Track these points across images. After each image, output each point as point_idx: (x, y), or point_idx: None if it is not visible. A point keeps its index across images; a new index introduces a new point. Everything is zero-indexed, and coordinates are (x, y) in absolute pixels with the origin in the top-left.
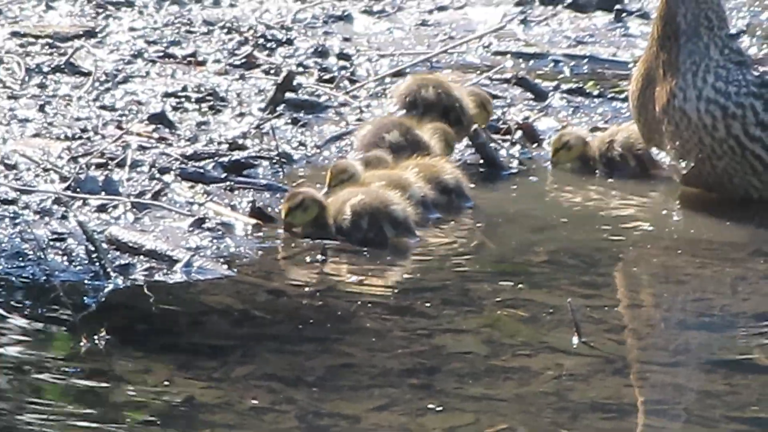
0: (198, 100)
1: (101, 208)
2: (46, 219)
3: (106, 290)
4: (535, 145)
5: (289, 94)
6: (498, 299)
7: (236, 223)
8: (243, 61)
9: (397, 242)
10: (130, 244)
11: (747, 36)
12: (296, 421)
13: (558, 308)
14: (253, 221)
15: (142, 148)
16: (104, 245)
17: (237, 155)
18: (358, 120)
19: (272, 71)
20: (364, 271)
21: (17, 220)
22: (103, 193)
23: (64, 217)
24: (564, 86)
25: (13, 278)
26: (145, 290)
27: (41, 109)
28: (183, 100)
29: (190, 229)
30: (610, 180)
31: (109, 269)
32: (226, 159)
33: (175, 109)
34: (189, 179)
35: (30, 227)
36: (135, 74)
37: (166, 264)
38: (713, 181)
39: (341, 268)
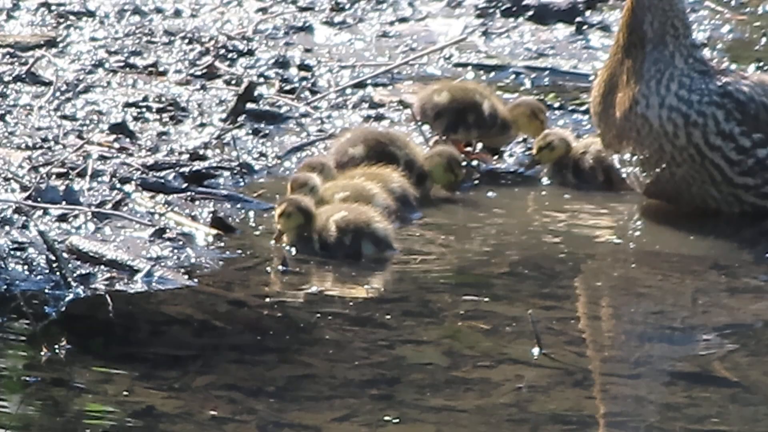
0: (159, 110)
1: (62, 218)
2: (7, 228)
3: (67, 300)
4: (495, 157)
5: (250, 105)
6: (459, 311)
7: (197, 234)
8: (204, 71)
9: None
10: (91, 254)
11: (708, 49)
12: (257, 431)
13: (519, 320)
14: (214, 231)
15: (103, 158)
16: (65, 255)
17: (198, 165)
18: (319, 131)
19: (233, 82)
20: (324, 282)
21: None
22: (63, 202)
23: (24, 227)
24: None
25: None
26: (106, 300)
27: (2, 118)
28: (144, 110)
29: (151, 239)
30: (571, 192)
31: (69, 279)
32: (187, 169)
33: (136, 119)
34: (150, 189)
35: None
36: (96, 84)
37: (126, 274)
38: (672, 189)
39: (302, 278)
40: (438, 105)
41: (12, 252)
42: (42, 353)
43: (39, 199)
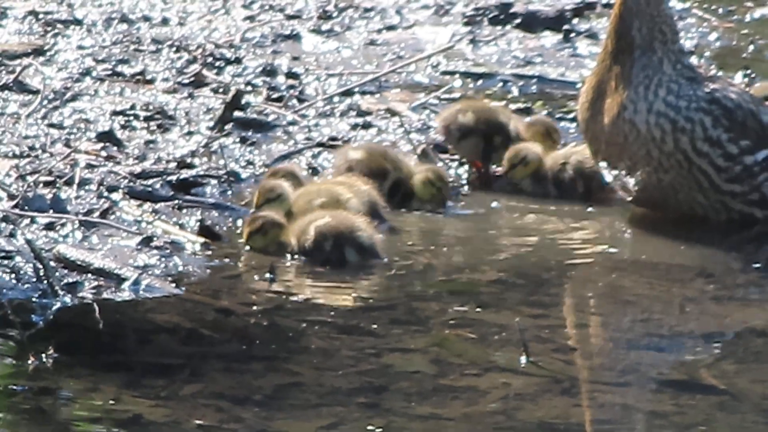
0: (146, 119)
1: (49, 226)
2: None
3: (54, 308)
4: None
5: (237, 113)
6: (446, 319)
7: (184, 242)
8: (191, 79)
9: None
10: (78, 263)
11: (695, 56)
12: None
13: (506, 328)
14: (202, 240)
15: (90, 167)
16: (52, 263)
17: (185, 174)
18: (307, 139)
19: (221, 90)
20: (312, 291)
21: None
22: (51, 211)
23: (11, 235)
24: (512, 106)
25: None
26: (93, 308)
27: None
28: (131, 118)
29: (138, 247)
30: (558, 201)
31: (56, 287)
32: (174, 177)
33: (123, 127)
34: (137, 198)
35: None
36: (83, 92)
37: (114, 282)
38: (658, 195)
39: (289, 287)
40: (463, 126)
41: None
42: (29, 362)
43: (26, 208)
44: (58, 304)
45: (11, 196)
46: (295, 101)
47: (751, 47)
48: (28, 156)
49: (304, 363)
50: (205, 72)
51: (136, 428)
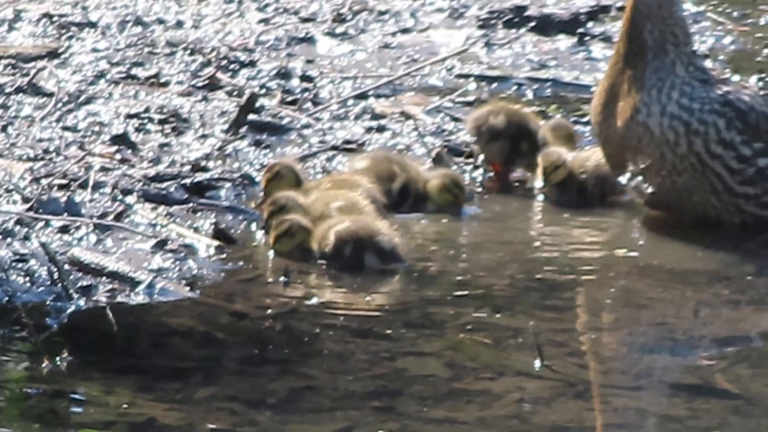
0: (160, 122)
1: (63, 230)
2: (9, 240)
3: (68, 311)
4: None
5: (251, 116)
6: (460, 323)
7: (199, 245)
8: (206, 82)
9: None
10: (93, 266)
11: (710, 59)
12: None
13: (520, 331)
14: (216, 243)
15: (104, 170)
16: (66, 266)
17: (199, 177)
18: (321, 142)
19: (235, 93)
20: (326, 294)
21: None
22: (65, 214)
23: (26, 238)
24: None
25: None
26: (108, 312)
27: (3, 129)
28: (146, 121)
29: (153, 250)
30: (570, 206)
31: (71, 290)
32: (188, 180)
33: (137, 130)
34: (151, 201)
35: None
36: (98, 95)
37: (128, 285)
38: (672, 198)
39: (304, 290)
40: (494, 128)
41: (13, 264)
42: (43, 365)
43: (40, 211)
44: (73, 308)
45: (26, 199)
46: (309, 104)
47: (766, 50)
48: (43, 159)
49: (318, 366)
50: (219, 75)
51: (150, 431)
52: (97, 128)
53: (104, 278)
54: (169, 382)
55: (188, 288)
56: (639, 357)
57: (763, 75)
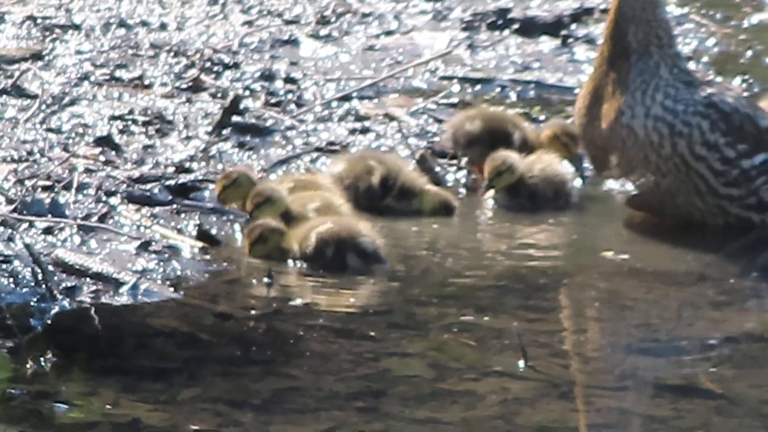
0: (144, 123)
1: (48, 231)
2: None
3: (53, 312)
4: None
5: (235, 118)
6: (444, 323)
7: (183, 246)
8: (190, 84)
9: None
10: (77, 267)
11: (693, 62)
12: None
13: (504, 332)
14: (200, 244)
15: (88, 171)
16: (50, 267)
17: (183, 178)
18: (305, 144)
19: (219, 95)
20: (310, 295)
21: None
22: (49, 215)
23: (10, 240)
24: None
25: None
26: (92, 313)
27: None
28: (129, 123)
29: (137, 251)
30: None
31: (55, 291)
32: (172, 182)
33: (121, 132)
34: (135, 202)
35: None
36: (81, 97)
37: (112, 286)
38: (656, 200)
39: (288, 291)
40: (469, 133)
41: None
42: (27, 366)
43: (24, 212)
44: (57, 309)
45: (10, 201)
46: (293, 106)
47: (749, 53)
48: (27, 160)
49: (302, 367)
50: (203, 77)
51: None
52: (81, 130)
53: (88, 279)
54: (153, 382)
55: (172, 289)
56: (623, 357)
57: (747, 77)
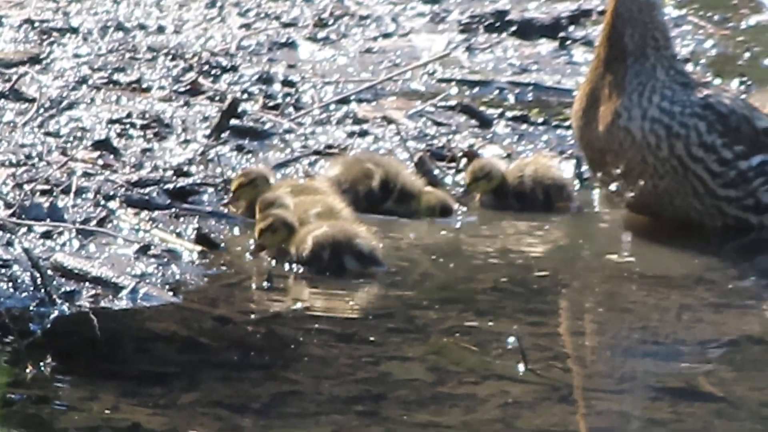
0: (143, 127)
1: (46, 235)
2: None
3: (52, 317)
4: None
5: (233, 121)
6: (444, 327)
7: (182, 250)
8: (187, 87)
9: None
10: (76, 271)
11: (692, 63)
12: None
13: (504, 336)
14: (199, 248)
15: (86, 175)
16: (49, 272)
17: (182, 182)
18: (303, 147)
19: (217, 98)
20: (310, 299)
21: None
22: (48, 219)
23: (9, 244)
24: (508, 114)
25: None
26: (91, 317)
27: None
28: (128, 126)
29: (136, 255)
30: (548, 211)
31: (54, 296)
32: (171, 186)
33: (119, 135)
34: (134, 206)
35: None
36: (79, 101)
37: (111, 291)
38: (654, 202)
39: (287, 295)
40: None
41: None
42: (27, 371)
43: (23, 216)
44: (56, 313)
45: (8, 205)
46: (291, 109)
47: (747, 54)
48: (25, 164)
49: (302, 371)
50: (201, 80)
51: None
52: (79, 133)
53: (87, 283)
54: (152, 387)
55: (171, 293)
56: (623, 361)
57: (744, 78)
